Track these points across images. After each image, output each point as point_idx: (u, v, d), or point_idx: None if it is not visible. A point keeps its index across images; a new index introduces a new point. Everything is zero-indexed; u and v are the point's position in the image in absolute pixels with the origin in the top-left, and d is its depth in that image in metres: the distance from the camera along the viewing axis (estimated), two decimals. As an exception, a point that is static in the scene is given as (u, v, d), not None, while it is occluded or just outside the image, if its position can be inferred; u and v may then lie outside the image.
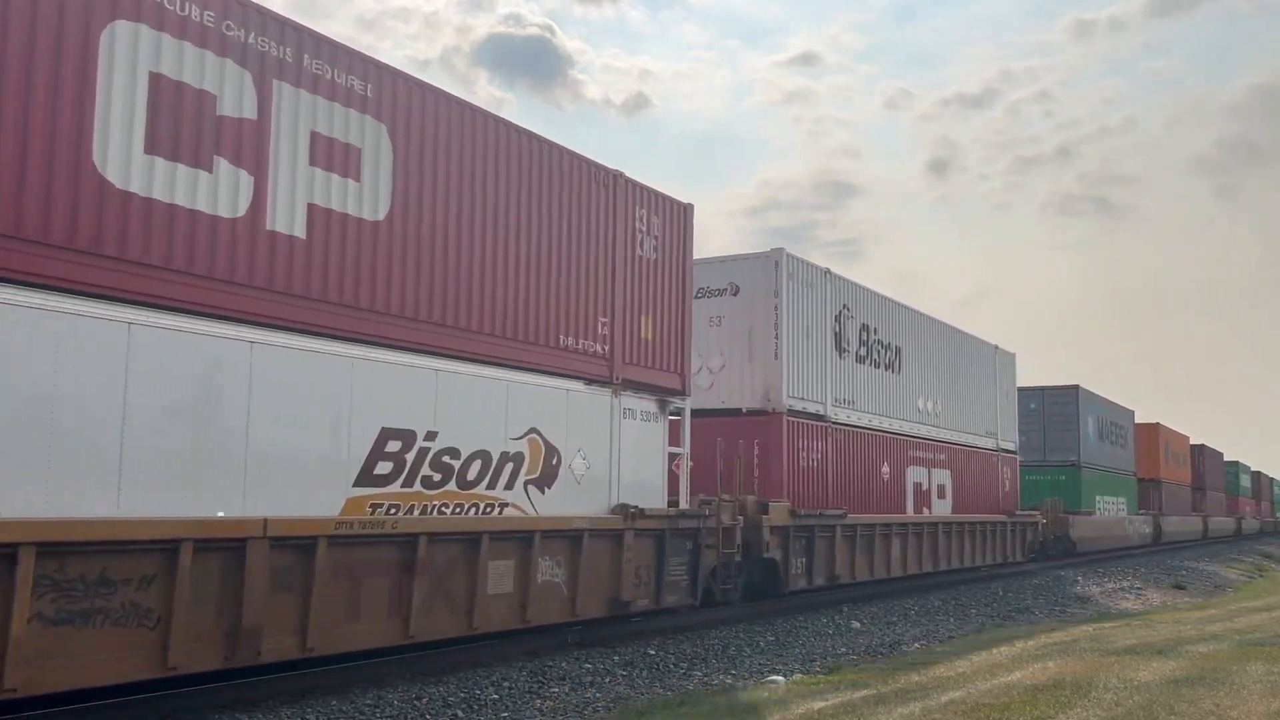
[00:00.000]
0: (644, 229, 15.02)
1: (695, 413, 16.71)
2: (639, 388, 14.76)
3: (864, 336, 22.01)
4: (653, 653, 13.71)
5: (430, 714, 10.07)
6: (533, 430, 12.74)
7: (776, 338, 18.94)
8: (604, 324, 14.07)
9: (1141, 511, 46.99)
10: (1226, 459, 74.22)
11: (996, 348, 29.98)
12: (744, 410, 19.01)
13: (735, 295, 19.42)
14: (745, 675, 12.59)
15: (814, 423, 19.83)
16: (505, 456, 12.31)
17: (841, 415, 20.85)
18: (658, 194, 15.44)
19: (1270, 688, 10.52)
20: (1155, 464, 50.51)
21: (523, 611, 12.33)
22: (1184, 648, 13.93)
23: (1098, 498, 40.10)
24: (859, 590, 21.49)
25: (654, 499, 14.90)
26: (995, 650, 14.25)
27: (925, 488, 24.52)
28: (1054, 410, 38.85)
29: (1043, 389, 39.03)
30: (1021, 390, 37.12)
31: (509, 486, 12.39)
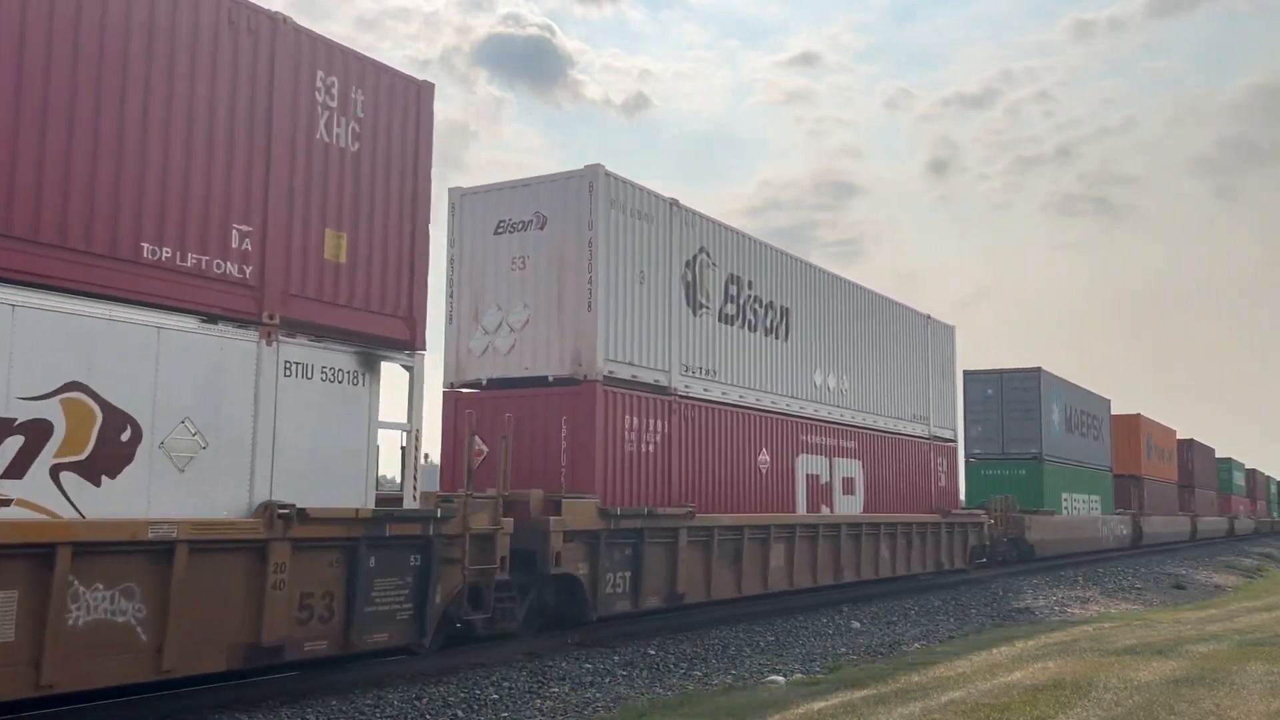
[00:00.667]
0: (334, 105, 10.81)
1: (495, 383, 14.74)
2: (322, 333, 10.60)
3: (733, 291, 17.75)
4: (653, 653, 13.71)
5: (430, 714, 10.08)
6: (73, 386, 8.53)
7: (591, 283, 14.58)
8: (245, 234, 9.93)
9: (1119, 511, 42.73)
10: (1219, 455, 70.23)
11: (929, 318, 25.97)
12: (550, 379, 14.79)
13: (542, 229, 15.17)
14: (745, 675, 12.59)
15: (650, 396, 15.46)
16: (6, 425, 8.11)
17: (696, 388, 16.56)
18: (366, 60, 11.28)
19: (1270, 688, 10.51)
20: (1136, 459, 46.32)
21: (35, 672, 8.05)
22: (1184, 648, 13.92)
23: (1065, 495, 36.03)
24: (860, 591, 21.42)
25: (349, 495, 10.68)
26: (995, 650, 14.24)
27: (825, 481, 20.35)
28: (1013, 397, 34.52)
29: (1000, 372, 34.81)
30: (977, 374, 34.74)
31: (13, 473, 8.12)
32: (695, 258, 16.84)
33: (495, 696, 10.88)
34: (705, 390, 16.85)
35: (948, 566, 25.24)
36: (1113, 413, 44.53)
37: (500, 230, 15.40)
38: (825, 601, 19.81)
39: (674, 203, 16.44)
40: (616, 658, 13.23)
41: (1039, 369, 34.65)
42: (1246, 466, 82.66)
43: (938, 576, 25.12)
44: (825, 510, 20.20)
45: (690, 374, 16.50)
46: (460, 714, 10.19)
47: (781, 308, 19.33)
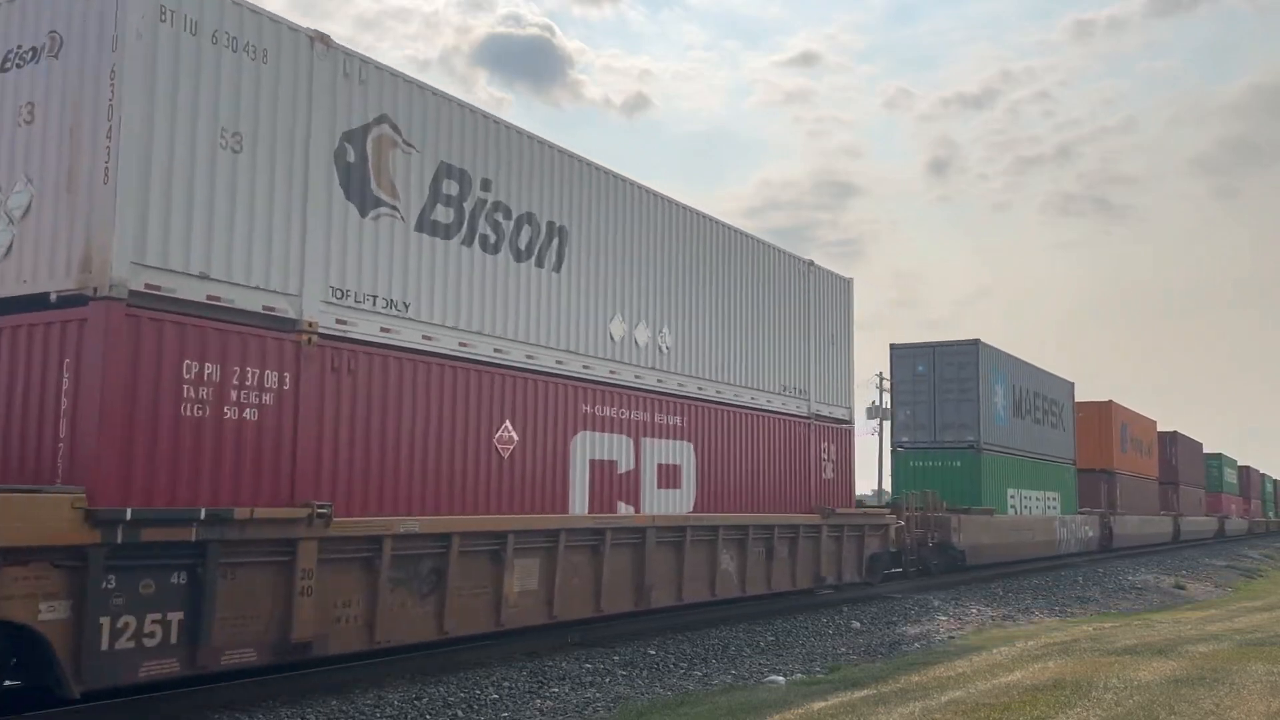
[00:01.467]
0: None
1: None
2: None
3: (450, 191, 12.28)
4: (653, 653, 13.71)
5: (430, 714, 10.08)
6: None
7: (111, 139, 9.01)
8: None
9: (1085, 510, 37.61)
10: (1207, 450, 64.32)
11: (812, 265, 20.22)
12: (53, 296, 9.14)
13: (56, 57, 9.55)
14: (745, 675, 12.60)
15: (253, 332, 9.91)
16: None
17: (361, 325, 11.04)
18: None
19: (1271, 688, 10.51)
20: (1107, 451, 40.96)
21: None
22: (1184, 648, 13.92)
23: (1011, 491, 30.78)
24: (860, 590, 21.41)
25: None
26: (995, 650, 14.24)
27: (626, 470, 14.94)
28: (948, 374, 28.96)
29: (932, 345, 29.44)
30: (906, 347, 29.76)
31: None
32: (368, 130, 11.27)
33: (495, 696, 10.88)
34: (385, 331, 11.30)
35: (833, 580, 19.87)
36: (1082, 399, 40.03)
37: (8, 65, 9.85)
38: (826, 602, 19.77)
39: (321, 39, 10.84)
40: (616, 658, 13.24)
41: (977, 340, 29.09)
42: (1239, 463, 77.50)
43: (804, 596, 19.76)
44: (626, 509, 14.83)
45: (349, 303, 10.92)
46: (460, 714, 10.19)
47: (551, 225, 13.82)
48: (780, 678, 12.20)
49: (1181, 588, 29.23)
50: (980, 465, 28.64)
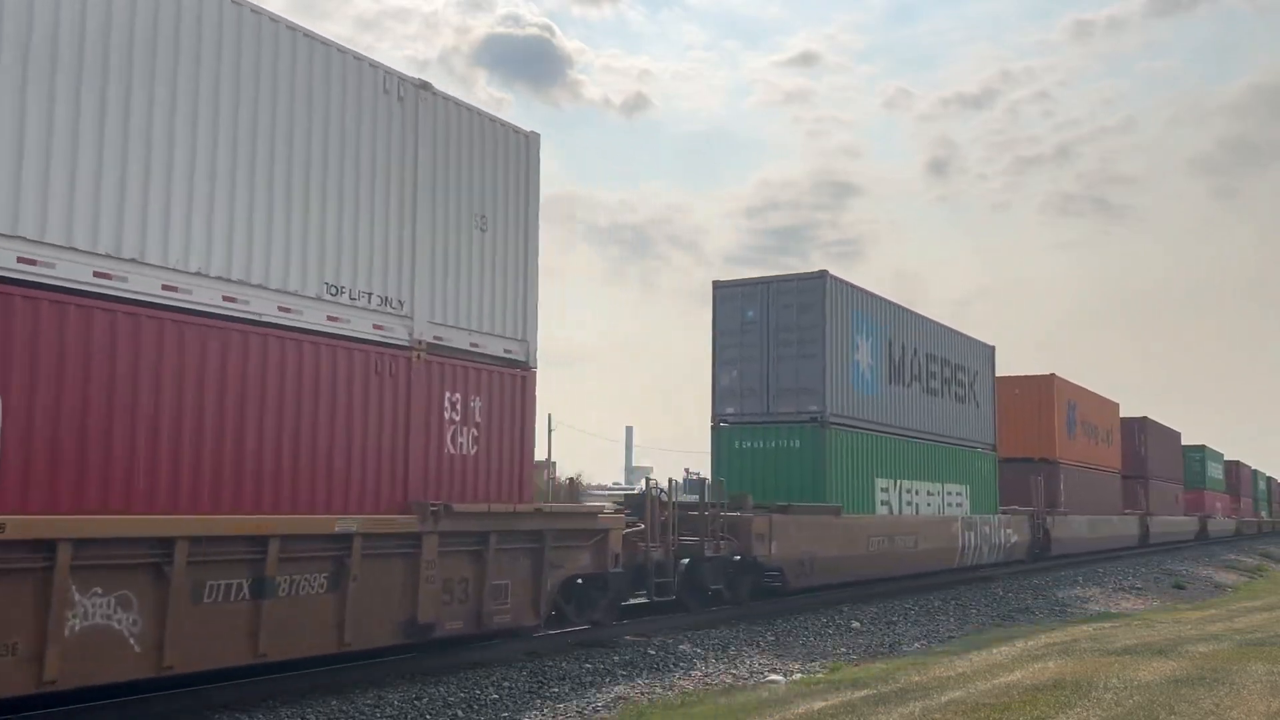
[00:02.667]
0: None
1: None
2: None
3: None
4: (653, 653, 13.71)
5: (430, 714, 10.08)
6: None
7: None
8: None
9: (1010, 510, 29.75)
10: (1188, 442, 56.49)
11: (425, 87, 12.35)
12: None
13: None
14: (745, 675, 12.60)
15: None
16: None
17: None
18: None
19: (1271, 688, 10.52)
20: (1046, 437, 33.32)
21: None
22: (1184, 648, 13.93)
23: (884, 483, 22.54)
24: (858, 591, 21.43)
25: None
26: (995, 650, 14.25)
27: None
28: (785, 321, 20.89)
29: (767, 280, 21.45)
30: (731, 285, 21.71)
31: None
32: None
33: (495, 696, 10.88)
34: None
35: (462, 627, 11.88)
36: (1017, 372, 33.33)
37: None
38: (826, 601, 19.78)
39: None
40: (616, 658, 13.23)
41: (824, 273, 20.94)
42: (1226, 457, 68.39)
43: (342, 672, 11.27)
44: None
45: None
46: (460, 714, 10.20)
47: None
48: (780, 678, 12.21)
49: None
50: (825, 445, 20.25)
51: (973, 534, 26.41)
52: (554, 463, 64.79)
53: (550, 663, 12.58)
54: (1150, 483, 45.73)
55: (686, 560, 16.57)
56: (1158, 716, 9.21)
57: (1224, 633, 16.19)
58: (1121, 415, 42.51)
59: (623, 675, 12.31)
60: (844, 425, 21.11)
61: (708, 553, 16.72)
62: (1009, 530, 29.05)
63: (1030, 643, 15.12)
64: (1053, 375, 34.37)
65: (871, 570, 21.53)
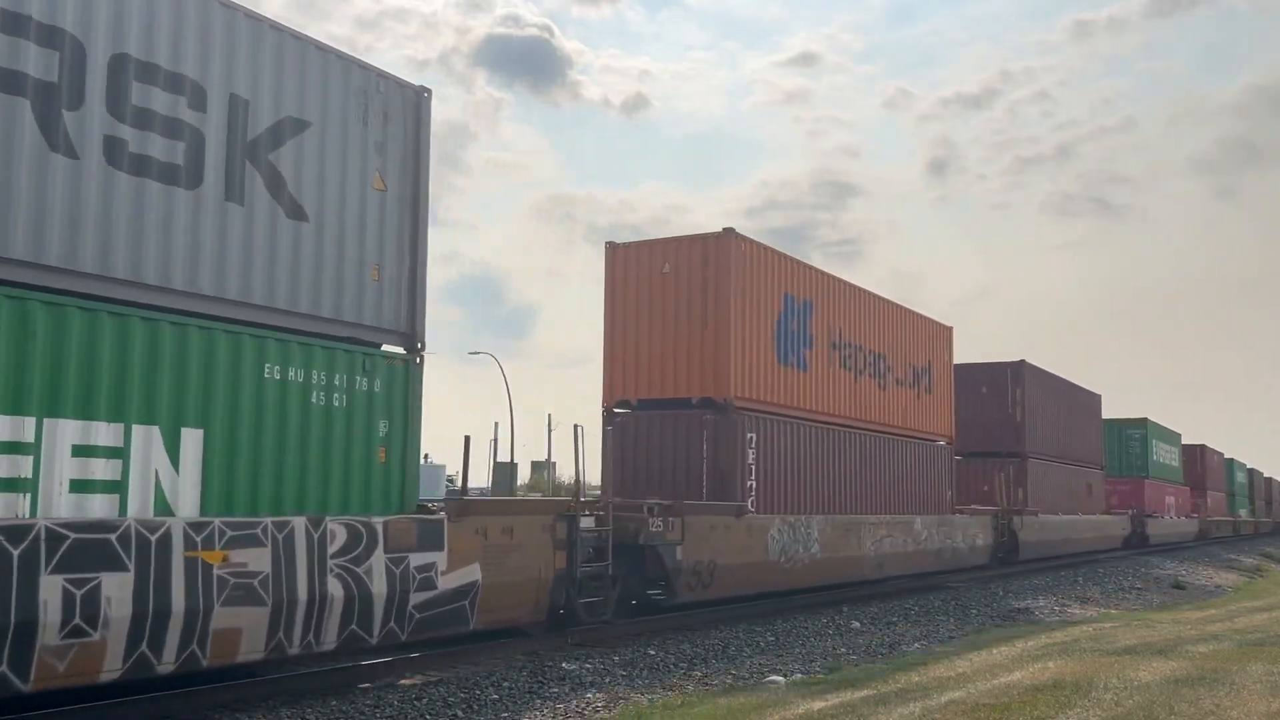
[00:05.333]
0: None
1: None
2: None
3: None
4: (653, 653, 13.71)
5: (430, 714, 10.08)
6: None
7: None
8: None
9: (963, 509, 26.09)
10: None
11: None
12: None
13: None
14: (745, 675, 12.59)
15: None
16: None
17: None
18: None
19: (1270, 688, 10.53)
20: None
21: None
22: (1184, 648, 13.94)
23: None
24: (858, 591, 21.40)
25: None
26: (995, 650, 14.25)
27: None
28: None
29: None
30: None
31: None
32: None
33: (495, 696, 10.88)
34: None
35: None
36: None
37: None
38: (826, 601, 19.74)
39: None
40: (616, 658, 13.24)
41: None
42: (1184, 441, 54.89)
43: None
44: None
45: None
46: (460, 714, 10.20)
47: None
48: (780, 678, 12.20)
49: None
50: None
51: (921, 537, 23.31)
52: (554, 463, 64.81)
53: (550, 663, 12.58)
54: (1032, 463, 31.61)
55: None
56: (1157, 716, 9.22)
57: (1224, 633, 16.19)
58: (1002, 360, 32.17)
59: (623, 675, 12.31)
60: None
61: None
62: (970, 532, 26.18)
63: (1030, 643, 15.12)
64: (1022, 361, 31.61)
65: (781, 581, 18.34)
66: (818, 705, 9.96)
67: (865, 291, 22.68)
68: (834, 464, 20.54)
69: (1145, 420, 46.97)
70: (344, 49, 11.14)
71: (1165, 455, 49.94)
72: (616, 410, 18.29)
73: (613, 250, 18.66)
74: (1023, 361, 31.73)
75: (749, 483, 17.65)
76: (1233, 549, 49.68)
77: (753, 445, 17.83)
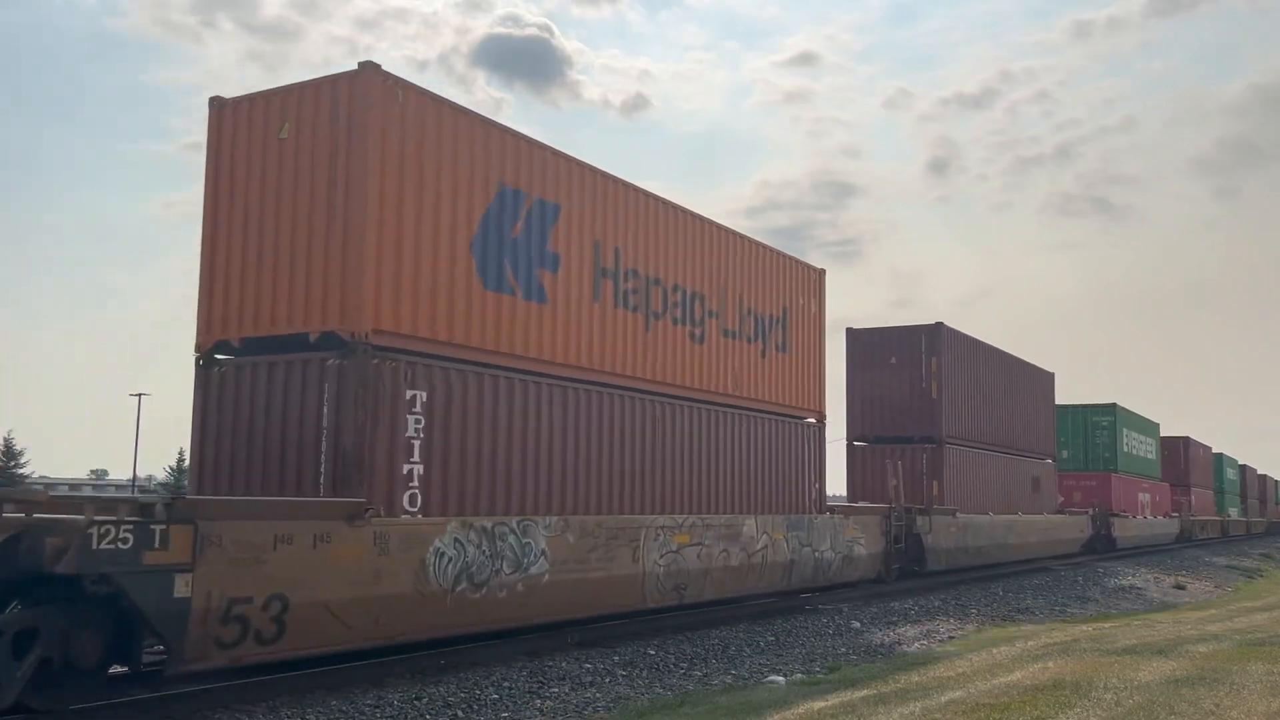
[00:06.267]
0: None
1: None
2: None
3: None
4: (653, 653, 13.72)
5: (430, 714, 10.09)
6: None
7: None
8: None
9: (840, 508, 21.19)
10: (1086, 400, 40.24)
11: None
12: None
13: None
14: (745, 675, 12.60)
15: None
16: None
17: None
18: None
19: (1270, 688, 10.52)
20: (926, 407, 25.57)
21: None
22: (1184, 648, 13.93)
23: None
24: (858, 590, 21.39)
25: None
26: (995, 650, 14.25)
27: None
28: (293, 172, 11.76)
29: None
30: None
31: None
32: None
33: (495, 696, 10.89)
34: None
35: None
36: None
37: None
38: (826, 601, 19.73)
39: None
40: (616, 658, 13.24)
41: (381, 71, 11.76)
42: (1162, 433, 49.22)
43: None
44: None
45: None
46: (460, 714, 10.20)
47: None
48: (780, 678, 12.21)
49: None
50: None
51: (755, 547, 17.47)
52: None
53: (550, 663, 12.58)
54: (946, 449, 25.63)
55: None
56: (1157, 716, 9.21)
57: (1224, 633, 16.18)
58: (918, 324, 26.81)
59: (623, 675, 12.31)
60: (420, 356, 11.91)
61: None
62: (850, 539, 20.66)
63: (1030, 643, 15.12)
64: (940, 324, 26.24)
65: (454, 621, 11.88)
66: (818, 705, 9.97)
67: (673, 207, 16.46)
68: (595, 442, 14.33)
69: (1114, 406, 41.22)
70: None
71: (1138, 446, 44.51)
72: (217, 357, 12.37)
73: (219, 110, 12.57)
74: (940, 324, 26.09)
75: (405, 468, 11.55)
76: (1219, 552, 46.36)
77: (418, 409, 11.77)
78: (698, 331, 16.94)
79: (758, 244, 18.93)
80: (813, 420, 20.29)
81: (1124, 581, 29.31)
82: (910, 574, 23.60)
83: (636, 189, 15.75)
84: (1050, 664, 12.50)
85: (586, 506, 14.20)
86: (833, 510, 20.53)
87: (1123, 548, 39.01)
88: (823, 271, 21.18)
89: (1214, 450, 61.71)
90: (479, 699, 10.74)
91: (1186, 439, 54.26)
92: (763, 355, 18.70)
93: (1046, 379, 34.91)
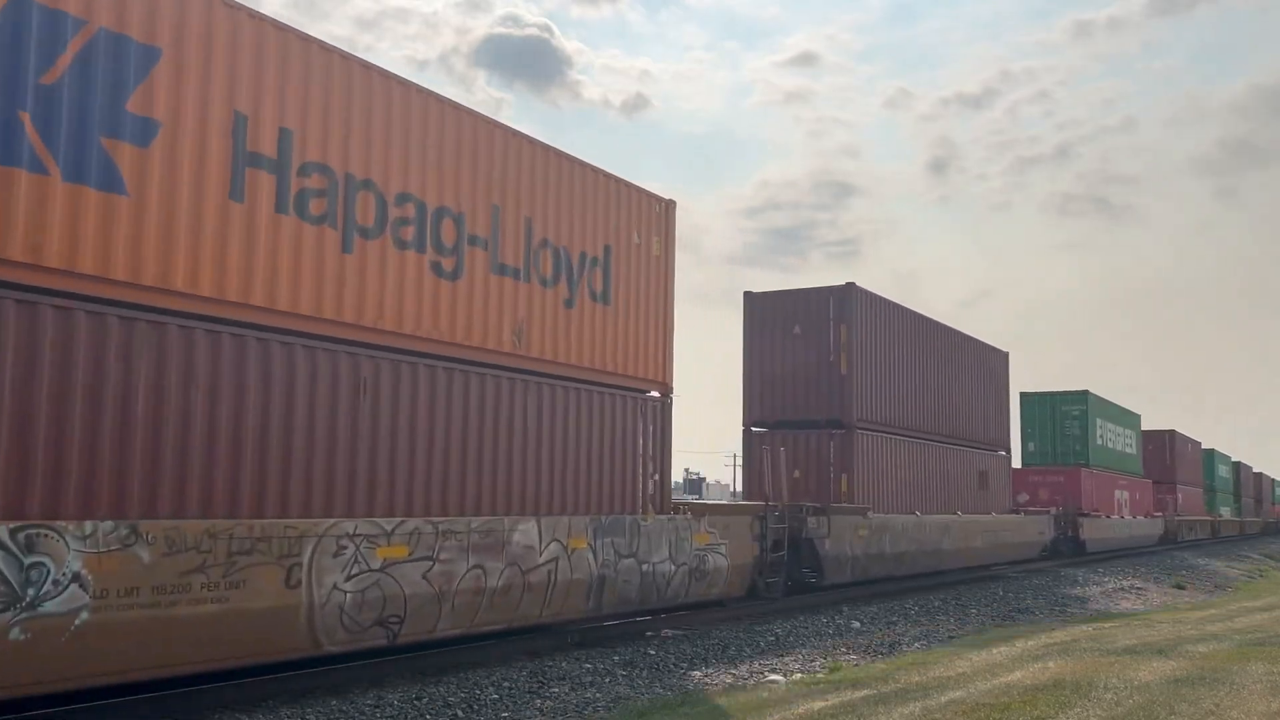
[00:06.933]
0: None
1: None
2: None
3: None
4: (653, 653, 13.72)
5: (430, 714, 10.09)
6: None
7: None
8: None
9: (673, 508, 15.81)
10: (1047, 387, 36.81)
11: None
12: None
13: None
14: (745, 675, 12.60)
15: None
16: None
17: None
18: None
19: (1270, 688, 10.53)
20: (832, 387, 21.25)
21: None
22: (1184, 648, 13.94)
23: None
24: (858, 590, 21.38)
25: None
26: (995, 650, 14.25)
27: None
28: None
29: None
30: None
31: None
32: None
33: (495, 696, 10.89)
34: None
35: None
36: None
37: None
38: (826, 601, 19.75)
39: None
40: (616, 658, 13.24)
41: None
42: (1142, 427, 45.47)
43: None
44: None
45: None
46: (460, 714, 10.20)
47: None
48: (780, 678, 12.21)
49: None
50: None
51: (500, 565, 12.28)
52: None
53: (550, 663, 12.58)
54: (857, 435, 21.30)
55: None
56: (1157, 716, 9.21)
57: (1224, 633, 16.19)
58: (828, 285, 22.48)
59: (622, 675, 12.32)
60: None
61: None
62: (702, 548, 16.04)
63: (1030, 643, 15.12)
64: (851, 285, 21.70)
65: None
66: (818, 705, 9.96)
67: (410, 86, 11.65)
68: (229, 412, 9.59)
69: (1086, 394, 36.81)
70: (344, 49, 11.03)
71: (1115, 439, 40.05)
72: None
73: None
74: (851, 284, 21.69)
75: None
76: (1206, 554, 42.16)
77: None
78: (448, 264, 12.07)
79: (563, 155, 13.94)
80: (655, 395, 15.52)
81: (1072, 591, 25.19)
82: (807, 587, 19.51)
83: (332, 48, 10.80)
84: (1050, 664, 12.50)
85: (206, 507, 9.36)
86: (677, 510, 15.97)
87: (1093, 551, 34.77)
88: (671, 203, 16.01)
89: (1204, 446, 57.33)
90: (479, 699, 10.74)
91: (1172, 432, 49.68)
92: (568, 305, 13.93)
93: (999, 358, 29.69)
